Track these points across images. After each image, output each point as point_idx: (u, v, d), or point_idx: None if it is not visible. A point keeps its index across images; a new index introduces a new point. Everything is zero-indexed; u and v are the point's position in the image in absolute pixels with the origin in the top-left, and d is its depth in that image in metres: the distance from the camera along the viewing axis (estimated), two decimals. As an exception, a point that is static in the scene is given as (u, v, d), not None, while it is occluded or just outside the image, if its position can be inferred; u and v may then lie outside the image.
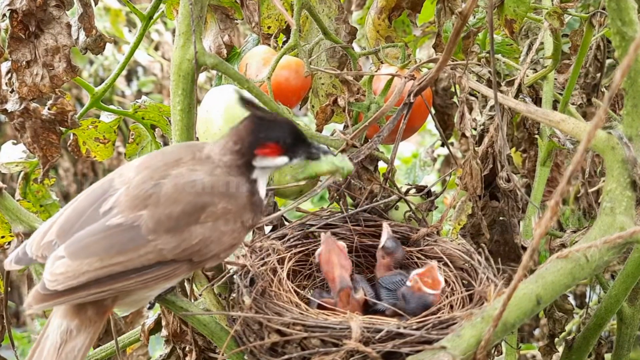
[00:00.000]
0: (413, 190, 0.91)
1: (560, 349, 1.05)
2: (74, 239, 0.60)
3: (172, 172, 0.63)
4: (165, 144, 1.00)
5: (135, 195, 0.61)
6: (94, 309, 0.62)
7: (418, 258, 0.83)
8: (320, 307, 0.73)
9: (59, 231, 0.62)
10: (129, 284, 0.60)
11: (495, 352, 1.05)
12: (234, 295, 0.74)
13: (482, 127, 1.04)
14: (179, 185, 0.62)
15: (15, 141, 0.96)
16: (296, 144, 0.66)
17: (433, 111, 1.03)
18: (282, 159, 0.66)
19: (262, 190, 0.67)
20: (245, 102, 0.64)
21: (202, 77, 2.16)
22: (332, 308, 0.73)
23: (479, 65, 1.04)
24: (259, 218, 0.68)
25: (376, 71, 0.96)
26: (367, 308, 0.75)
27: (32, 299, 0.59)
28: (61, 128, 0.87)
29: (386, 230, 0.81)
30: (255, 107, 0.65)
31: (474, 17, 0.99)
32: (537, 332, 1.67)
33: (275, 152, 0.65)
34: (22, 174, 0.95)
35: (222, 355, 0.70)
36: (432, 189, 0.91)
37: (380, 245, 0.80)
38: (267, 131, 0.65)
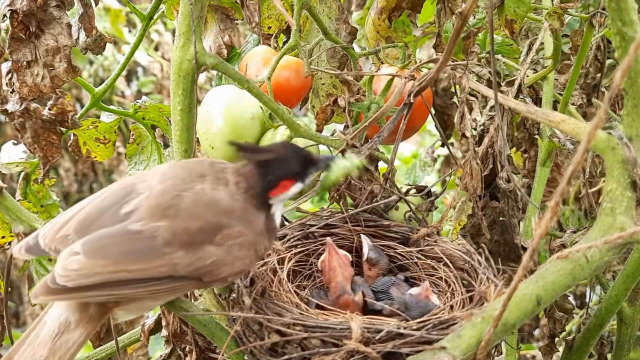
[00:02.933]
0: (413, 191, 0.91)
1: (561, 349, 1.05)
2: (92, 237, 0.60)
3: (195, 187, 0.62)
4: (165, 144, 1.00)
5: (157, 204, 0.61)
6: (96, 307, 0.62)
7: (418, 258, 0.83)
8: (319, 307, 0.74)
9: (77, 226, 0.61)
10: (137, 292, 0.60)
11: (495, 352, 1.05)
12: (234, 295, 0.74)
13: (482, 127, 1.04)
14: (200, 201, 0.62)
15: (15, 141, 0.96)
16: (304, 167, 0.66)
17: (433, 111, 1.03)
18: (296, 188, 0.66)
19: (277, 218, 0.68)
20: (239, 148, 0.64)
21: (202, 77, 2.16)
22: (332, 308, 0.73)
23: (479, 65, 1.04)
24: (271, 247, 0.68)
25: (376, 71, 0.96)
26: (367, 311, 0.76)
27: (40, 289, 0.59)
28: (61, 128, 0.87)
29: (365, 242, 0.81)
30: (250, 150, 0.66)
31: (474, 17, 0.99)
32: (537, 332, 1.67)
33: (288, 186, 0.66)
34: (22, 174, 0.95)
35: (222, 355, 0.70)
36: (432, 189, 0.91)
37: (364, 258, 0.81)
38: (274, 171, 0.65)
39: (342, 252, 0.79)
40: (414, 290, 0.74)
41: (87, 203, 0.63)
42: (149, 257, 0.60)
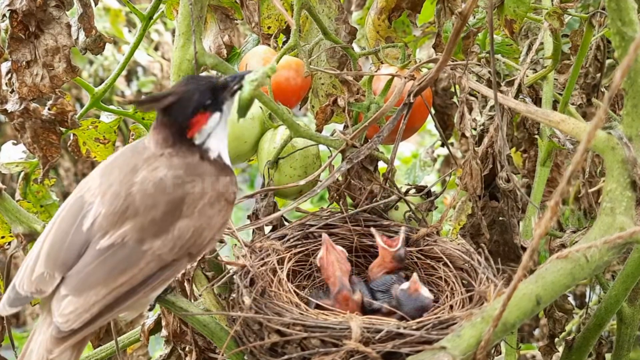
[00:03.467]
0: (413, 191, 0.91)
1: (560, 349, 1.05)
2: (71, 273, 0.59)
3: (136, 180, 0.62)
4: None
5: (112, 212, 0.60)
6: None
7: (418, 258, 0.83)
8: (318, 307, 0.74)
9: (47, 260, 0.60)
10: (139, 296, 0.60)
11: (495, 352, 1.05)
12: (234, 295, 0.74)
13: (482, 127, 1.03)
14: (149, 189, 0.61)
15: (15, 141, 0.96)
16: (214, 95, 0.64)
17: (433, 111, 1.03)
18: (215, 118, 0.64)
19: (223, 154, 0.66)
20: (139, 103, 0.64)
21: (202, 77, 2.16)
22: (331, 308, 0.73)
23: (479, 65, 1.04)
24: (235, 186, 0.66)
25: (376, 71, 0.96)
26: (365, 310, 0.75)
27: (51, 344, 0.58)
28: (61, 128, 0.87)
29: (401, 237, 0.80)
30: (151, 101, 0.64)
31: (474, 17, 0.99)
32: (537, 332, 1.67)
33: (204, 118, 0.63)
34: (22, 174, 0.95)
35: (222, 355, 0.70)
36: (432, 189, 0.91)
37: (394, 250, 0.79)
38: (182, 111, 0.63)
39: (339, 247, 0.79)
40: (404, 285, 0.74)
41: (46, 233, 0.63)
42: (133, 263, 0.59)
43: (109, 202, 0.61)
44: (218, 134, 0.66)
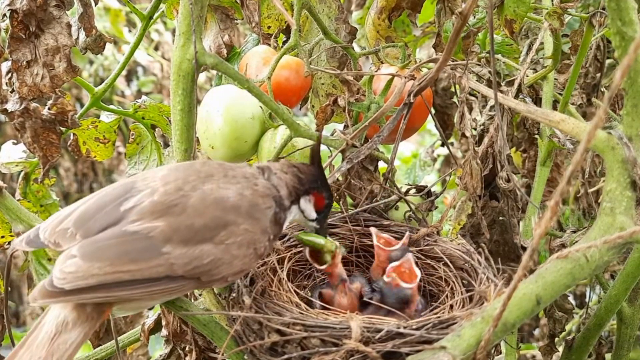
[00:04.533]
0: (413, 190, 0.91)
1: (560, 349, 1.05)
2: (90, 240, 0.60)
3: (203, 186, 0.63)
4: (166, 144, 1.00)
5: (161, 202, 0.61)
6: (94, 307, 0.62)
7: (418, 258, 0.83)
8: (320, 296, 0.74)
9: (77, 220, 0.62)
10: (134, 294, 0.60)
11: (495, 352, 1.05)
12: (233, 294, 0.74)
13: (482, 127, 1.04)
14: (208, 199, 0.62)
15: (15, 141, 0.96)
16: (327, 212, 0.72)
17: (433, 111, 1.03)
18: (314, 215, 0.71)
19: (285, 224, 0.69)
20: (316, 153, 0.70)
21: (202, 77, 2.16)
22: (331, 308, 0.73)
23: (479, 65, 1.04)
24: (272, 246, 0.69)
25: (376, 71, 0.96)
26: (365, 304, 0.76)
27: (38, 292, 0.59)
28: (61, 128, 0.87)
29: (402, 241, 0.80)
30: (319, 160, 0.71)
31: (474, 17, 0.99)
32: (537, 332, 1.67)
33: (319, 205, 0.71)
34: (22, 173, 0.95)
35: (222, 355, 0.71)
36: (432, 189, 0.91)
37: (389, 250, 0.80)
38: (326, 185, 0.71)
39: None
40: (385, 277, 0.74)
41: (88, 199, 0.64)
42: (146, 257, 0.60)
43: (163, 193, 0.62)
44: (294, 218, 0.71)
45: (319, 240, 0.74)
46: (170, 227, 0.60)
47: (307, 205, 0.70)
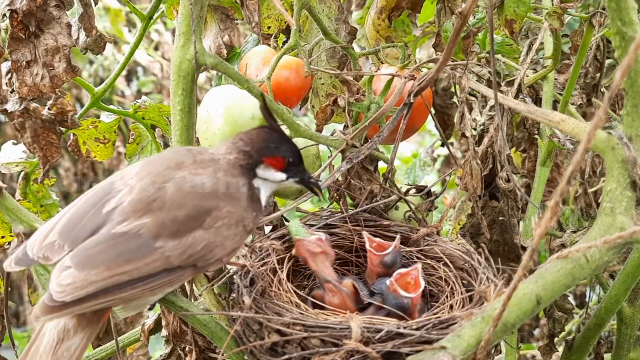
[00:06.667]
0: (413, 190, 0.91)
1: (560, 349, 1.05)
2: (80, 248, 0.60)
3: (175, 176, 0.63)
4: (166, 144, 1.00)
5: (139, 200, 0.61)
6: (92, 310, 0.62)
7: (418, 258, 0.83)
8: (318, 307, 0.74)
9: (61, 231, 0.61)
10: (135, 292, 0.60)
11: (495, 352, 1.05)
12: (234, 295, 0.74)
13: (482, 127, 1.04)
14: (183, 189, 0.62)
15: (15, 141, 0.96)
16: (297, 165, 0.69)
17: (433, 111, 1.03)
18: (281, 175, 0.69)
19: (263, 198, 0.69)
20: (266, 112, 0.67)
21: (202, 77, 2.16)
22: (332, 308, 0.73)
23: (479, 65, 1.04)
24: (258, 221, 0.68)
25: (376, 71, 0.96)
26: (362, 304, 0.76)
27: (39, 310, 0.59)
28: (61, 128, 0.87)
29: (394, 244, 0.80)
30: (273, 119, 0.68)
31: (474, 17, 0.99)
32: (537, 332, 1.67)
33: (279, 166, 0.68)
34: (22, 174, 0.95)
35: (222, 355, 0.70)
36: (432, 189, 0.91)
37: (381, 254, 0.80)
38: (278, 144, 0.68)
39: (311, 238, 0.77)
40: (387, 281, 0.74)
41: (69, 208, 0.64)
42: (140, 255, 0.60)
43: (139, 190, 0.62)
44: (269, 186, 0.70)
45: (294, 229, 0.75)
46: (156, 222, 0.60)
47: (268, 172, 0.68)
